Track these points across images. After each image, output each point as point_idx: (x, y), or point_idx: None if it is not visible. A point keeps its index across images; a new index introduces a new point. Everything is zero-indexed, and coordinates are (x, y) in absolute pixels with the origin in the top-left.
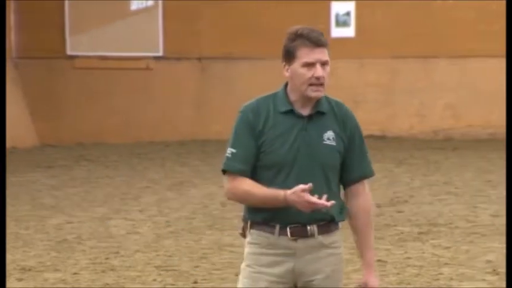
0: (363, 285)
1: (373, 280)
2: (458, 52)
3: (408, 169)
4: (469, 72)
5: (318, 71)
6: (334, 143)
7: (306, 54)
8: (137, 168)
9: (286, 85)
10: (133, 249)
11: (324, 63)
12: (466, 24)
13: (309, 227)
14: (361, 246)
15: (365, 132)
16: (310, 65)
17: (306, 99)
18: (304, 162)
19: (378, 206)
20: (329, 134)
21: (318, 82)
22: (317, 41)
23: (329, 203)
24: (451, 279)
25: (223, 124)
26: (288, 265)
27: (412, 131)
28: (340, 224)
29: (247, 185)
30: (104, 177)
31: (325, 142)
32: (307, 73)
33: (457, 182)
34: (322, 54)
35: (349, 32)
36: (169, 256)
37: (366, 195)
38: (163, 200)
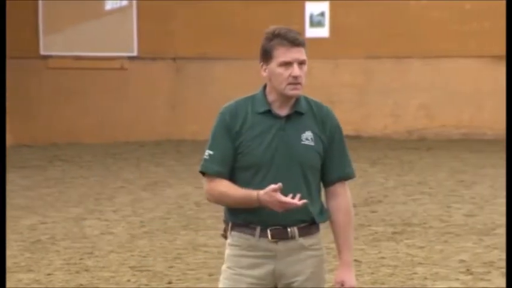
0: (339, 284)
1: (350, 279)
2: (432, 52)
3: (382, 169)
4: (442, 72)
5: (295, 70)
6: (312, 143)
7: (283, 54)
8: (112, 168)
9: (265, 86)
10: (108, 249)
11: (301, 63)
12: (439, 24)
13: (289, 229)
14: (339, 246)
15: None
16: (287, 64)
17: (284, 99)
18: (281, 162)
19: (353, 205)
20: (307, 135)
21: (295, 81)
22: (294, 40)
23: (300, 202)
24: (425, 278)
25: (199, 124)
26: (268, 267)
27: (386, 131)
28: (321, 226)
29: (224, 187)
30: (78, 177)
31: (303, 142)
32: (285, 72)
33: (431, 182)
34: (299, 54)
35: (323, 32)
36: (144, 256)
37: (346, 196)
38: (137, 200)
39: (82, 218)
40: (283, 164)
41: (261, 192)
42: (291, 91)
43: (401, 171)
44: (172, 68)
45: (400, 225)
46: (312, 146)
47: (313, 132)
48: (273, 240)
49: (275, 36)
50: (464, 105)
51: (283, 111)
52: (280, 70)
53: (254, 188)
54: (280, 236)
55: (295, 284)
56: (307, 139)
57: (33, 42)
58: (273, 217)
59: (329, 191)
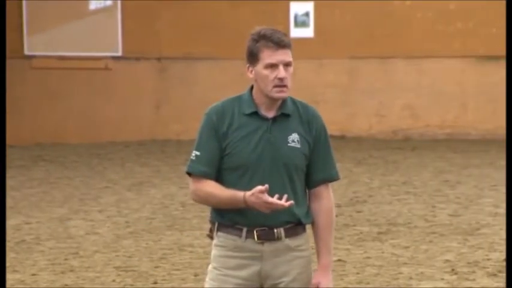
0: (315, 285)
1: (326, 281)
2: (416, 52)
3: (367, 169)
4: (427, 72)
5: (281, 72)
6: (298, 145)
7: (268, 56)
8: (96, 168)
9: (252, 87)
10: (93, 249)
11: (286, 64)
12: (424, 24)
13: (275, 230)
14: (319, 249)
15: None
16: (273, 66)
17: (270, 101)
18: (268, 164)
19: (338, 205)
20: (294, 137)
21: (281, 83)
22: (279, 42)
23: (287, 203)
24: (410, 278)
25: (183, 124)
26: (254, 268)
27: (371, 131)
28: (307, 227)
29: (210, 187)
30: (63, 177)
31: (289, 144)
32: (271, 75)
33: (416, 181)
34: (285, 56)
35: (308, 32)
36: (129, 257)
37: (328, 198)
38: (122, 201)
39: (67, 218)
40: (270, 166)
41: (248, 193)
42: (277, 94)
43: (386, 171)
44: (156, 68)
45: (385, 225)
46: (298, 148)
47: (299, 134)
48: (259, 241)
49: (261, 37)
50: (448, 105)
51: (270, 113)
52: (266, 72)
53: (241, 189)
54: (267, 237)
55: (281, 285)
56: (293, 141)
57: (17, 42)
58: (259, 218)
59: (312, 192)
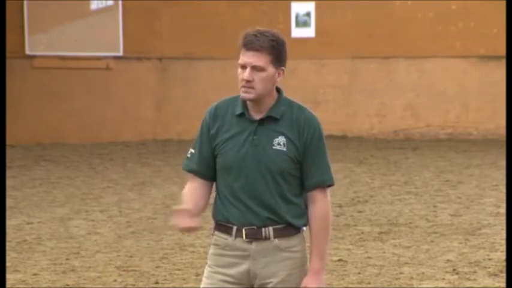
0: None
1: (313, 285)
2: (417, 52)
3: (368, 169)
4: (428, 72)
5: (245, 73)
6: (284, 149)
7: (240, 56)
8: (98, 168)
9: None
10: (94, 249)
11: (254, 68)
12: (425, 24)
13: (263, 230)
14: (311, 253)
15: (325, 132)
16: (243, 67)
17: (255, 103)
18: (251, 166)
19: (339, 205)
20: (280, 139)
21: (246, 85)
22: (248, 43)
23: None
24: (412, 278)
25: (184, 124)
26: (243, 267)
27: (372, 131)
28: (305, 229)
29: (186, 189)
30: (64, 177)
31: (274, 147)
32: (240, 75)
33: (417, 181)
34: (252, 58)
35: (309, 32)
36: (130, 256)
37: (323, 203)
38: (124, 201)
39: (68, 218)
40: (253, 168)
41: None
42: (242, 94)
43: (388, 171)
44: (157, 67)
45: (387, 225)
46: (283, 151)
47: (286, 137)
48: (247, 240)
49: (242, 37)
50: (449, 105)
51: (258, 115)
52: (239, 72)
53: (229, 189)
54: (255, 236)
55: (269, 286)
56: (279, 144)
57: (18, 42)
58: (248, 217)
59: (308, 196)
